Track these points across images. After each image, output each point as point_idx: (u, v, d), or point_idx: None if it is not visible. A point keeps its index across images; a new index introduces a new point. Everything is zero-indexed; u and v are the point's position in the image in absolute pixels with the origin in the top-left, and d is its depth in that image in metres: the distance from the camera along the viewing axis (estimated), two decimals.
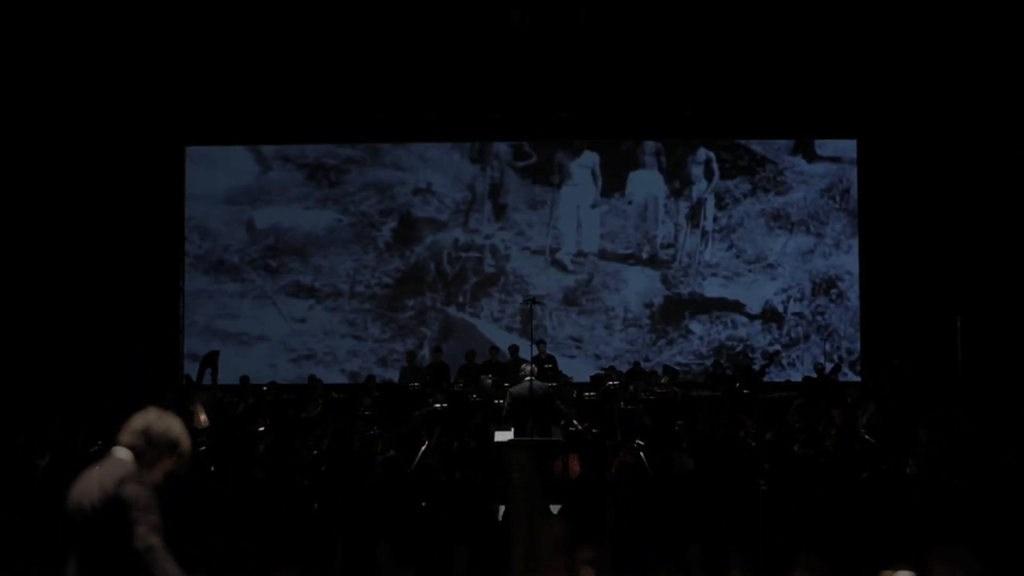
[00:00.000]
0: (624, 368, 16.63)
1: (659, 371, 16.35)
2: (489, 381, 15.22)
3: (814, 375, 16.30)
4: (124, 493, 4.24)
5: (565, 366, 16.84)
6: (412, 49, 15.71)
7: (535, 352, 16.12)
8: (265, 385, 15.66)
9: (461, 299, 18.02)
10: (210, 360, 15.07)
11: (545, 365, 15.97)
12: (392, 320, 17.95)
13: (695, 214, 17.98)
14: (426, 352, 17.54)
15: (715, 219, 17.96)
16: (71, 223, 16.59)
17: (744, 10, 14.81)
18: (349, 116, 17.25)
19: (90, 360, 16.04)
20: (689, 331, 17.87)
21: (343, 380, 17.56)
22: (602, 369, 16.47)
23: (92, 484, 4.31)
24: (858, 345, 17.63)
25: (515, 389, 11.65)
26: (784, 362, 17.73)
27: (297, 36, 15.53)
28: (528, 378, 11.32)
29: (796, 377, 17.08)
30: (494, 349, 16.84)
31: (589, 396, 14.67)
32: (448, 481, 11.04)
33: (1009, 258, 15.53)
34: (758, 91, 16.71)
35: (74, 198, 16.55)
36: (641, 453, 11.40)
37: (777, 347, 17.74)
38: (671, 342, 17.87)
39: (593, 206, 18.02)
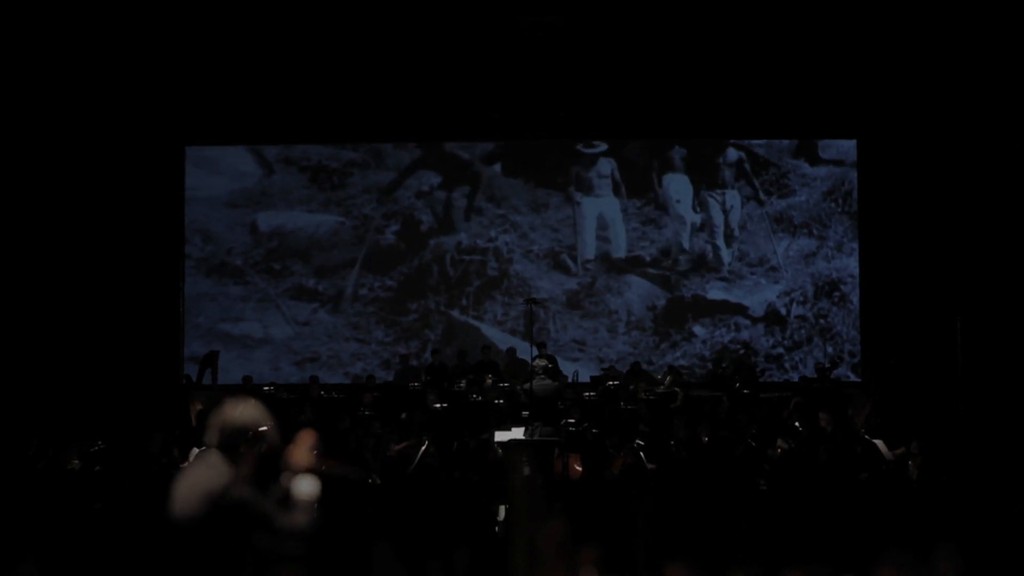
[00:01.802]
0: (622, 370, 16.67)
1: (662, 370, 16.35)
2: (490, 381, 15.27)
3: (815, 375, 16.28)
4: (236, 498, 4.26)
5: (568, 370, 16.86)
6: (414, 49, 15.72)
7: (535, 353, 16.16)
8: (267, 385, 15.68)
9: (464, 302, 18.02)
10: (210, 360, 15.08)
11: (547, 365, 15.98)
12: (395, 323, 17.95)
13: (698, 217, 17.97)
14: (428, 355, 17.54)
15: (718, 222, 17.95)
16: (70, 226, 16.59)
17: (744, 10, 14.82)
18: (350, 117, 17.27)
19: (90, 363, 16.05)
20: (692, 334, 17.85)
21: (346, 383, 17.50)
22: (603, 370, 16.48)
23: (194, 492, 4.30)
24: (859, 347, 17.63)
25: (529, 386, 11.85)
26: (787, 365, 17.74)
27: (297, 36, 15.53)
28: (538, 375, 11.46)
29: (797, 379, 17.06)
30: (486, 348, 16.87)
31: (589, 396, 14.69)
32: (448, 481, 11.06)
33: (1009, 259, 15.48)
34: (758, 91, 16.70)
35: (72, 199, 16.54)
36: (641, 453, 11.42)
37: (780, 350, 17.74)
38: (674, 345, 17.84)
39: (623, 210, 17.97)
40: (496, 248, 17.97)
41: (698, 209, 17.90)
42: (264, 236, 17.98)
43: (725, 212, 17.93)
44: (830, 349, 17.45)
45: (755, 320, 17.83)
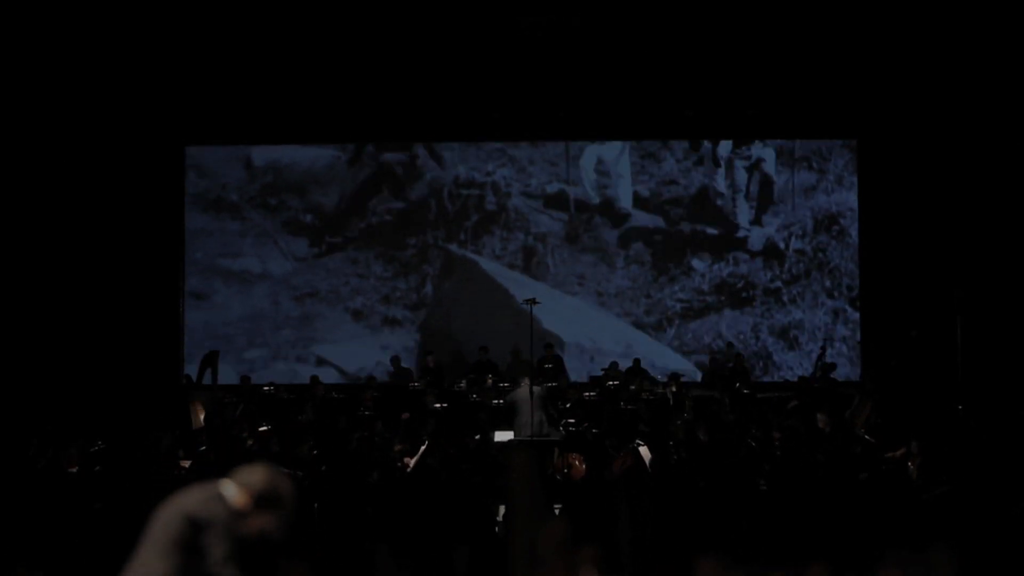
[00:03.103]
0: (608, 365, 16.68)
1: (661, 376, 16.35)
2: (490, 382, 15.29)
3: (811, 374, 16.25)
4: (203, 514, 4.23)
5: (567, 305, 17.21)
6: (414, 49, 15.70)
7: (542, 355, 16.19)
8: (266, 385, 15.67)
9: (462, 236, 17.99)
10: (210, 360, 15.04)
11: (545, 365, 16.02)
12: (394, 258, 17.92)
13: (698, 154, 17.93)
14: (429, 288, 17.71)
15: (717, 156, 17.87)
16: (70, 225, 16.55)
17: (744, 11, 14.82)
18: (350, 117, 17.26)
19: (90, 362, 16.04)
20: (691, 268, 17.87)
21: (347, 318, 17.67)
22: (604, 370, 16.48)
23: (179, 501, 4.31)
24: (858, 282, 17.67)
25: (516, 393, 12.02)
26: (785, 298, 17.77)
27: (296, 36, 15.51)
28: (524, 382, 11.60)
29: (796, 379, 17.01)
30: (483, 349, 16.84)
31: (589, 396, 14.68)
32: (448, 481, 11.05)
33: (1009, 259, 15.48)
34: (758, 91, 16.70)
35: (73, 199, 16.49)
36: (640, 452, 11.40)
37: (778, 284, 17.72)
38: (672, 279, 17.87)
39: (624, 150, 17.91)
40: (494, 182, 17.87)
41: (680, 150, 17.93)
42: (259, 171, 17.91)
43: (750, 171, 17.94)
44: (825, 345, 17.37)
45: (754, 254, 17.84)
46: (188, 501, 4.28)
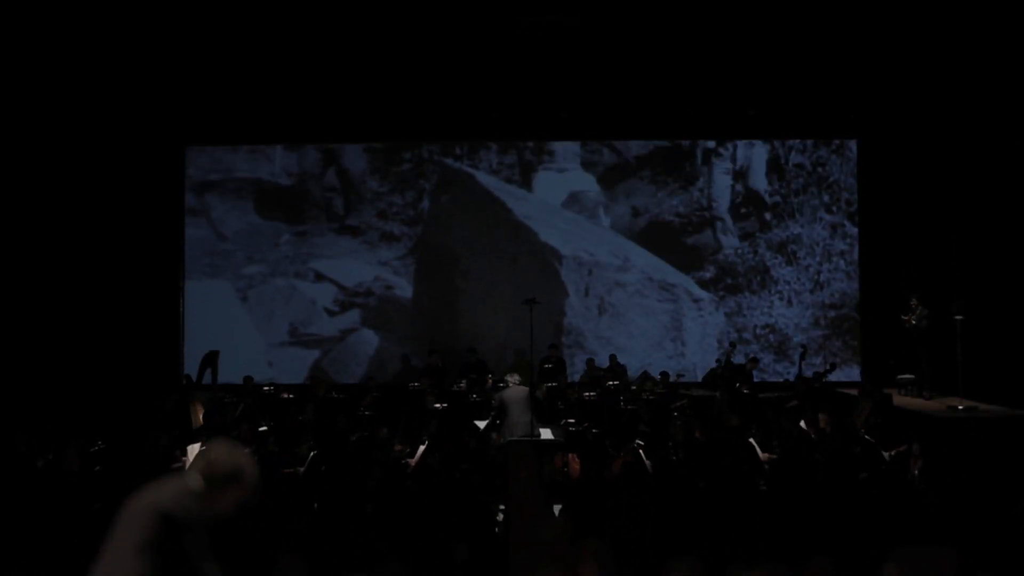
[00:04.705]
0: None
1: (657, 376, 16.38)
2: (490, 382, 15.30)
3: (796, 376, 16.27)
4: (176, 511, 4.26)
5: (565, 218, 17.44)
6: (414, 49, 15.71)
7: (546, 354, 16.20)
8: (267, 385, 15.69)
9: (458, 150, 18.00)
10: (210, 360, 15.05)
11: (545, 365, 16.02)
12: (389, 172, 17.98)
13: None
14: (426, 202, 17.81)
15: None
16: (70, 226, 16.57)
17: (744, 11, 14.81)
18: (350, 117, 17.29)
19: (91, 362, 16.05)
20: (689, 183, 18.01)
21: (347, 236, 17.78)
22: (587, 379, 16.52)
23: (149, 497, 4.33)
24: (856, 196, 17.79)
25: (504, 393, 12.18)
26: (784, 214, 17.80)
27: (297, 37, 15.52)
28: (515, 383, 11.65)
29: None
30: (472, 350, 16.84)
31: (589, 396, 14.68)
32: (448, 481, 11.04)
33: (1010, 258, 15.46)
34: (758, 91, 16.72)
35: (72, 197, 16.53)
36: (640, 452, 11.40)
37: (777, 199, 17.73)
38: (672, 193, 18.00)
39: None
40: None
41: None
42: None
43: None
44: (807, 347, 17.36)
45: (752, 169, 17.98)
46: (158, 497, 4.30)
